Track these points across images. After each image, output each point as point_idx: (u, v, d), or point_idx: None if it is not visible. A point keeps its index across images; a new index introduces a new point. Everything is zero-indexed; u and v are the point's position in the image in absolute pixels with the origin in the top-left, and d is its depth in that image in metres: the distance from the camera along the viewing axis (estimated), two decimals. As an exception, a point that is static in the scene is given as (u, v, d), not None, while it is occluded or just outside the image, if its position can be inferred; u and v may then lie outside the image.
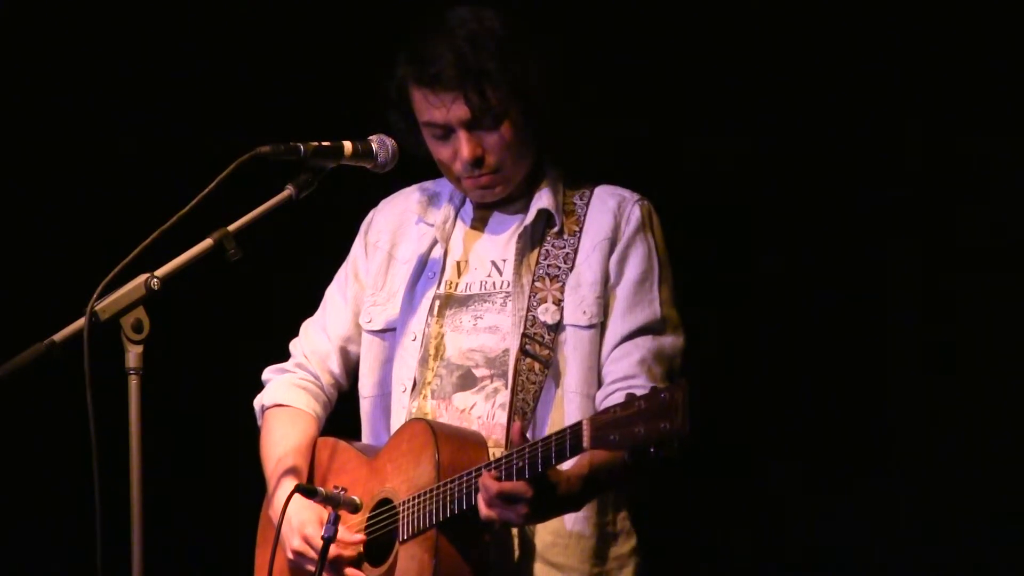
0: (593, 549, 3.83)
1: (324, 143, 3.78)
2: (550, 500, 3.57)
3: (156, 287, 3.54)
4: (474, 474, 3.60)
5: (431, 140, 3.92)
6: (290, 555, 3.85)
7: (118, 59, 5.64)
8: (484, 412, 3.86)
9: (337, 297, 4.14)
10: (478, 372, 3.89)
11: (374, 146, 3.86)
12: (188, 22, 5.63)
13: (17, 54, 5.61)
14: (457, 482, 3.63)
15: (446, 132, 3.88)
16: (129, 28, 5.63)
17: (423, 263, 4.03)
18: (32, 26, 5.62)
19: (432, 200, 4.09)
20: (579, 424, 3.40)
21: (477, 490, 3.58)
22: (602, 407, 3.75)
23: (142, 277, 3.54)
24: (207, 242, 3.62)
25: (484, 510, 3.55)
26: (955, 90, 5.05)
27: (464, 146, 3.86)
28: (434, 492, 3.67)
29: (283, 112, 5.53)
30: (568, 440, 3.42)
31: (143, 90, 5.64)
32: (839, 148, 5.16)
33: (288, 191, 3.74)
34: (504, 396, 3.83)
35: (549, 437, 3.46)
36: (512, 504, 3.52)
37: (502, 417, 3.82)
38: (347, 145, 3.82)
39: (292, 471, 3.97)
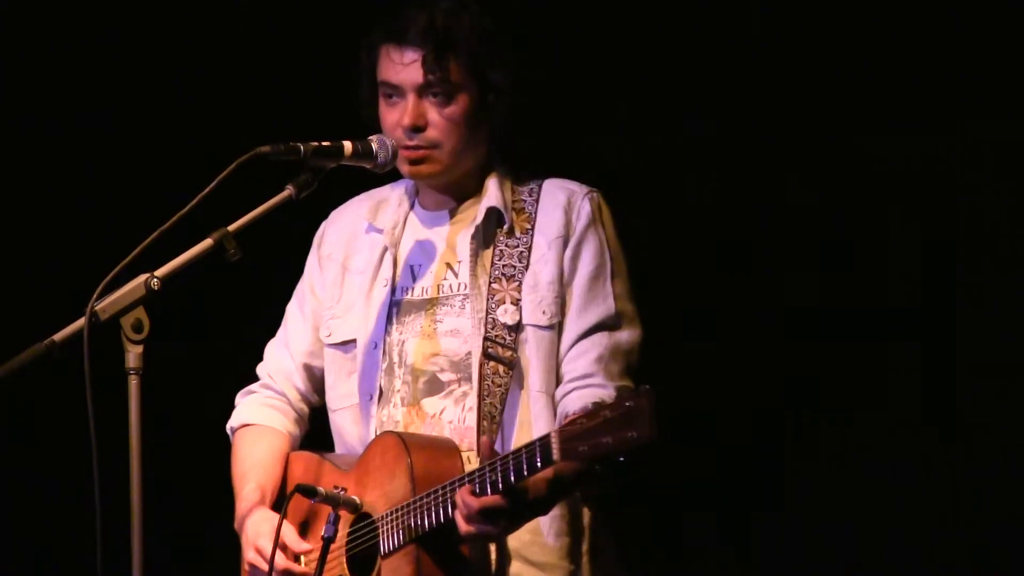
0: (569, 546, 3.82)
1: (324, 143, 3.78)
2: (523, 508, 3.58)
3: (156, 287, 3.54)
4: (448, 488, 3.60)
5: (383, 102, 3.91)
6: (245, 566, 3.85)
7: (118, 59, 5.64)
8: (455, 417, 3.85)
9: (296, 313, 4.12)
10: (444, 376, 3.88)
11: (374, 146, 3.86)
12: (188, 22, 5.63)
13: (17, 55, 5.61)
14: (433, 496, 3.63)
15: (398, 94, 3.87)
16: (129, 28, 5.63)
17: (376, 271, 4.00)
18: (33, 26, 5.62)
19: (382, 205, 4.05)
20: (547, 437, 3.40)
21: (453, 504, 3.58)
22: (561, 407, 3.79)
23: (142, 277, 3.54)
24: (207, 242, 3.62)
25: (463, 526, 3.56)
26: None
27: (408, 110, 3.86)
28: (411, 506, 3.67)
29: (283, 112, 5.53)
30: (538, 453, 3.42)
31: (143, 90, 5.65)
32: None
33: (288, 191, 3.73)
34: (473, 400, 3.82)
35: (520, 450, 3.47)
36: (491, 519, 3.54)
37: (473, 421, 3.81)
38: (347, 145, 3.82)
39: (254, 486, 3.97)
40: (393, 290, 3.96)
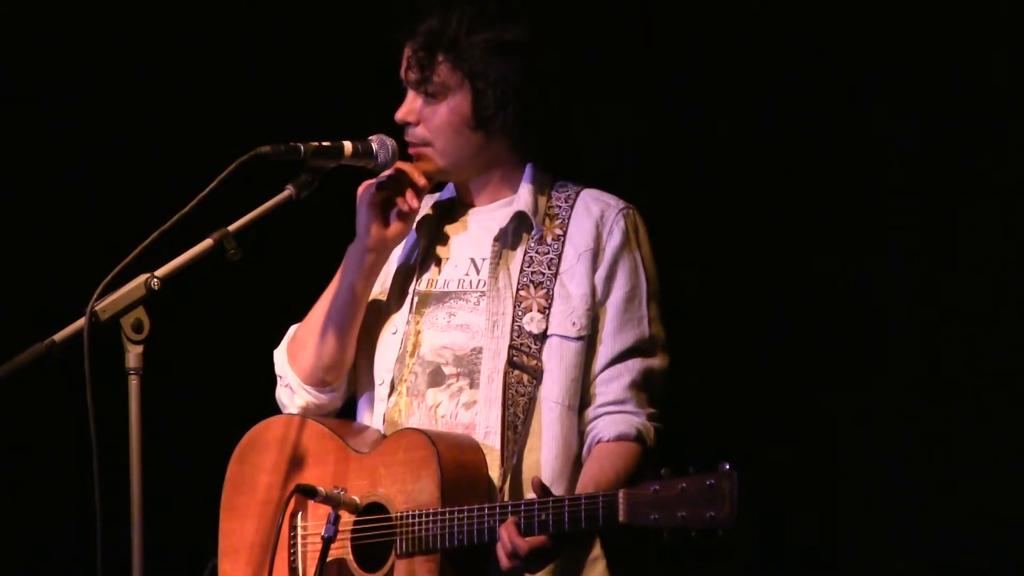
0: (568, 558, 3.77)
1: (324, 143, 3.79)
2: (564, 550, 3.60)
3: (156, 287, 3.54)
4: (487, 513, 3.60)
5: None
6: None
7: (118, 58, 5.64)
8: (448, 411, 3.86)
9: None
10: (447, 370, 3.89)
11: (374, 146, 3.87)
12: (189, 22, 5.63)
13: (17, 54, 5.62)
14: (468, 514, 3.63)
15: (404, 87, 3.91)
16: (130, 28, 5.63)
17: (407, 258, 4.03)
18: (33, 26, 5.62)
19: (424, 203, 4.05)
20: (614, 496, 3.42)
21: (490, 528, 3.59)
22: (594, 430, 3.80)
23: (142, 277, 3.55)
24: (207, 242, 3.63)
25: (504, 561, 3.58)
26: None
27: (402, 104, 3.90)
28: (441, 517, 3.66)
29: (283, 112, 5.53)
30: (601, 510, 3.44)
31: (143, 90, 5.65)
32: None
33: (288, 191, 3.74)
34: (468, 395, 3.84)
35: (579, 500, 3.48)
36: (536, 559, 3.57)
37: (464, 416, 3.84)
38: (347, 145, 3.82)
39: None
40: (418, 280, 3.97)
